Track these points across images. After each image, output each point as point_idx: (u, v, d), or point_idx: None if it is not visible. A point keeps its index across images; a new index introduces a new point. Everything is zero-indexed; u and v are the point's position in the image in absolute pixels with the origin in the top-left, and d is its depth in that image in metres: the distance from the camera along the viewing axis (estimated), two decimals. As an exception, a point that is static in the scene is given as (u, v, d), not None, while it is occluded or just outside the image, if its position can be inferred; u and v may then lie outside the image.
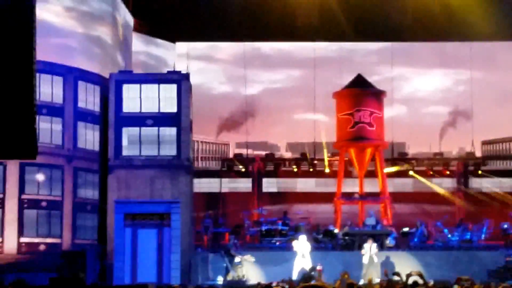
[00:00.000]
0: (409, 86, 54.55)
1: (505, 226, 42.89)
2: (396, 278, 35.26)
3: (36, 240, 40.12)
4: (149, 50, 52.80)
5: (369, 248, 38.16)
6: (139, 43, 51.11)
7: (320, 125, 52.00)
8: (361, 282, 35.16)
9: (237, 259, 37.96)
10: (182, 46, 53.49)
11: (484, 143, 54.24)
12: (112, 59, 45.56)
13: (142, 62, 50.60)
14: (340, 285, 27.28)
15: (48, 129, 40.81)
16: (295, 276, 36.25)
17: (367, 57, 53.92)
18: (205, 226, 43.41)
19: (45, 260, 36.33)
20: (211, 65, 54.74)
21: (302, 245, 37.77)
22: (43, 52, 39.95)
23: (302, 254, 37.56)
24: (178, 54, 53.19)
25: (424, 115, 54.13)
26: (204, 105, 48.80)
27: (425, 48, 54.35)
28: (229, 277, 37.10)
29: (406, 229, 43.42)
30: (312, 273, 35.19)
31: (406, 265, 38.29)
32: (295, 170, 51.01)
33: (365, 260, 38.10)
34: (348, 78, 48.40)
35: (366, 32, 51.05)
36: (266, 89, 53.92)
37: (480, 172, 50.94)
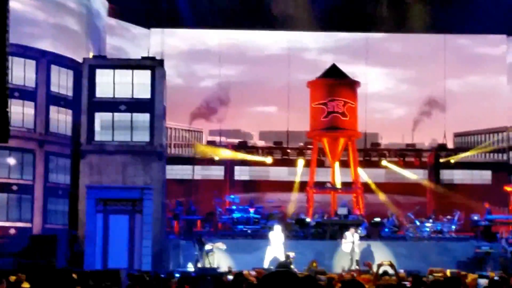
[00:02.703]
0: (386, 76, 54.70)
1: (475, 218, 43.18)
2: (365, 268, 35.45)
3: (7, 224, 39.89)
4: (123, 36, 52.51)
5: (351, 236, 38.09)
6: (113, 28, 50.81)
7: (294, 114, 52.00)
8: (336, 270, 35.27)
9: (208, 246, 37.90)
10: (156, 32, 53.22)
11: (456, 135, 54.56)
12: (86, 44, 45.28)
13: (116, 48, 50.31)
14: (307, 273, 27.36)
15: (20, 113, 40.54)
16: (266, 264, 36.26)
17: (341, 47, 53.95)
18: (176, 213, 43.35)
19: (15, 244, 36.11)
20: (186, 52, 54.53)
21: (276, 234, 37.71)
22: (16, 37, 39.80)
23: (275, 243, 37.52)
24: (153, 40, 52.91)
25: (397, 106, 54.36)
26: (177, 92, 48.66)
27: (399, 40, 54.53)
28: (200, 264, 37.05)
29: (377, 219, 43.59)
30: (287, 261, 35.20)
31: (377, 255, 38.45)
32: (267, 160, 50.90)
33: (345, 248, 37.95)
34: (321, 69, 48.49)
35: (340, 22, 51.04)
36: (239, 77, 53.79)
37: (451, 161, 51.19)
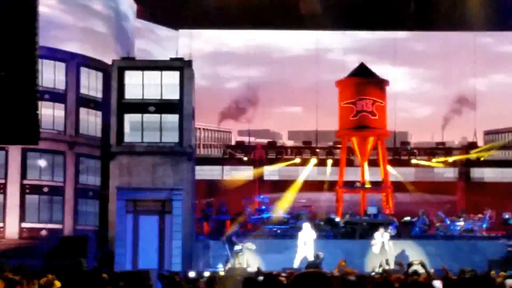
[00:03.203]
0: (411, 76, 54.49)
1: (506, 216, 42.87)
2: (396, 267, 35.28)
3: (38, 225, 40.20)
4: (151, 38, 52.72)
5: (381, 237, 37.98)
6: (141, 31, 51.03)
7: (322, 113, 51.94)
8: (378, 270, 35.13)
9: (238, 246, 37.95)
10: (185, 33, 53.37)
11: (486, 133, 54.20)
12: (114, 47, 45.52)
13: (144, 50, 50.52)
14: (338, 273, 27.25)
15: (51, 115, 40.85)
16: (296, 264, 36.23)
17: (370, 46, 53.80)
18: (206, 214, 43.44)
19: (46, 245, 36.38)
20: (215, 53, 54.64)
21: (306, 233, 37.67)
22: (46, 40, 40.07)
23: (304, 242, 37.49)
24: (180, 42, 53.06)
25: (426, 105, 54.12)
26: (207, 92, 48.79)
27: (428, 38, 54.31)
28: (230, 265, 37.11)
29: (407, 218, 43.40)
30: (317, 261, 35.16)
31: (407, 254, 38.31)
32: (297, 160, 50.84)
33: (375, 250, 37.87)
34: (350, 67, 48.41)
35: (369, 21, 50.88)
36: (267, 78, 53.77)
37: (482, 158, 50.88)
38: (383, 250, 37.69)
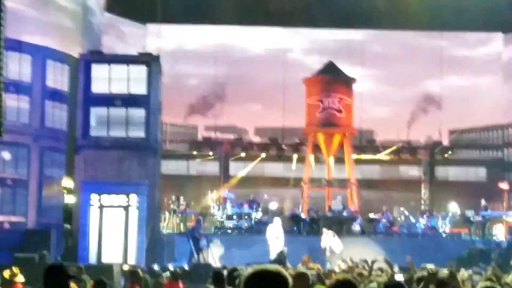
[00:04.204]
0: (369, 77, 54.70)
1: (469, 214, 43.27)
2: (361, 263, 35.45)
3: (1, 218, 39.86)
4: (119, 31, 52.48)
5: (326, 235, 37.97)
6: (106, 26, 50.76)
7: (289, 110, 52.06)
8: (328, 265, 35.26)
9: (202, 242, 37.95)
10: (153, 28, 53.23)
11: (452, 132, 54.65)
12: (81, 41, 45.23)
13: (112, 43, 50.28)
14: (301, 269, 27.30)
15: (15, 107, 40.48)
16: (272, 257, 36.17)
17: (338, 44, 54.01)
18: (172, 208, 43.37)
19: (9, 238, 36.10)
20: (183, 48, 54.56)
21: (277, 227, 37.57)
22: (11, 33, 39.69)
23: (276, 236, 37.32)
24: (149, 36, 52.91)
25: (394, 103, 54.43)
26: (174, 87, 48.67)
27: (397, 37, 54.65)
28: (194, 260, 37.07)
29: (371, 215, 43.66)
30: (281, 257, 35.18)
31: (371, 251, 38.49)
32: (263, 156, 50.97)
33: (323, 245, 37.94)
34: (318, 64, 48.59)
35: (337, 19, 51.08)
36: (234, 74, 53.80)
37: (446, 155, 51.35)
38: (336, 248, 37.71)
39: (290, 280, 6.52)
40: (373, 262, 30.06)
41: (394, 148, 50.98)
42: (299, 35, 54.73)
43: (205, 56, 53.54)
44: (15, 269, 18.64)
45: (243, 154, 51.25)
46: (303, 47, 55.31)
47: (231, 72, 53.65)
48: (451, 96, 52.99)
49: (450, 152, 51.98)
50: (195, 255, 37.31)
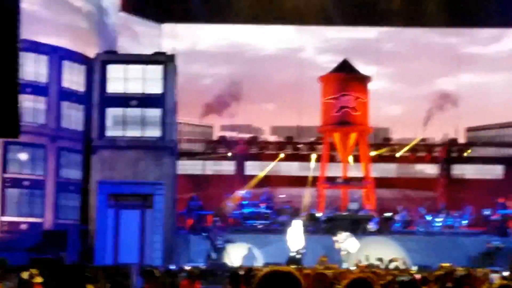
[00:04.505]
0: (395, 71, 54.61)
1: (487, 212, 43.09)
2: (377, 263, 35.43)
3: (18, 219, 39.97)
4: (133, 31, 52.52)
5: (342, 238, 37.85)
6: (125, 23, 50.82)
7: (305, 109, 51.98)
8: (344, 265, 35.23)
9: (219, 241, 37.99)
10: (168, 27, 53.28)
11: (468, 129, 54.41)
12: (96, 41, 45.32)
13: (126, 43, 50.34)
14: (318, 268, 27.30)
15: (32, 108, 40.59)
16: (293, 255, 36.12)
17: (353, 41, 53.90)
18: (189, 208, 43.39)
19: (26, 239, 36.25)
20: (197, 47, 54.58)
21: (296, 230, 37.41)
22: (27, 34, 39.81)
23: (295, 238, 37.12)
24: (165, 35, 52.93)
25: (409, 101, 54.26)
26: (189, 87, 48.68)
27: (411, 34, 54.49)
28: (211, 260, 37.12)
29: (388, 214, 43.54)
30: (298, 256, 35.17)
31: (387, 250, 38.45)
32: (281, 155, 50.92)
33: (339, 247, 37.83)
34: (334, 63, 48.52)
35: (353, 16, 50.96)
36: (251, 71, 53.77)
37: (465, 154, 51.16)
38: (352, 248, 37.57)
39: (302, 281, 6.55)
40: (390, 261, 30.14)
41: (410, 145, 50.83)
42: (312, 34, 54.63)
43: (219, 55, 53.53)
44: (34, 270, 18.70)
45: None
46: (316, 46, 55.23)
47: (245, 71, 53.57)
48: (467, 93, 52.75)
49: (469, 151, 51.73)
50: (212, 255, 37.35)
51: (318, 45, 55.30)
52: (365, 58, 50.19)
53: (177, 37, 52.79)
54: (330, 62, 50.18)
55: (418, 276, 22.60)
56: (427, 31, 54.04)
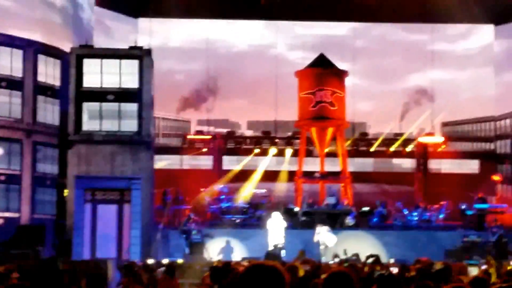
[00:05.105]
0: (363, 68, 54.68)
1: (463, 207, 43.28)
2: (353, 257, 35.47)
3: (-6, 214, 39.77)
4: (111, 25, 52.32)
5: (319, 232, 37.88)
6: (99, 18, 50.61)
7: (281, 104, 52.03)
8: (323, 259, 35.27)
9: (196, 236, 37.92)
10: (142, 23, 53.14)
11: (444, 124, 54.68)
12: (71, 37, 45.07)
13: (99, 38, 50.10)
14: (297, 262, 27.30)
15: (7, 103, 40.37)
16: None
17: (337, 35, 54.01)
18: (166, 203, 43.27)
19: (2, 234, 36.00)
20: (169, 44, 54.44)
21: (276, 222, 37.40)
22: (2, 27, 39.57)
23: (275, 231, 37.09)
24: (139, 31, 52.78)
25: (385, 96, 54.42)
26: (165, 82, 48.55)
27: (387, 29, 54.66)
28: (188, 254, 37.03)
29: (365, 209, 43.63)
30: (276, 251, 35.13)
31: (365, 244, 38.51)
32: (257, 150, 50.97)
33: (317, 240, 37.86)
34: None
35: (329, 11, 51.07)
36: (224, 67, 53.69)
37: (439, 149, 51.46)
38: (329, 242, 37.59)
39: (286, 276, 6.50)
40: (367, 257, 30.16)
41: (382, 138, 51.09)
42: (282, 30, 54.73)
43: (191, 51, 53.55)
44: (10, 266, 18.58)
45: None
46: (287, 42, 55.25)
47: (218, 67, 53.38)
48: (440, 89, 53.04)
49: (443, 146, 52.00)
50: (188, 250, 37.28)
51: (289, 42, 55.30)
52: (337, 54, 49.91)
53: (151, 33, 52.62)
54: (302, 58, 50.22)
55: (395, 270, 22.67)
56: (396, 27, 54.30)
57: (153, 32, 52.78)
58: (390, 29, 54.53)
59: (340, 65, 48.55)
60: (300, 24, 54.34)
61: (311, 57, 48.24)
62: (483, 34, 54.86)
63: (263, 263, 6.54)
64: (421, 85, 53.05)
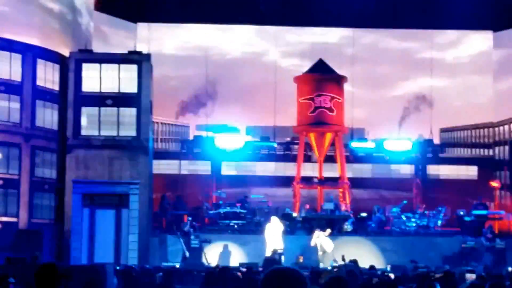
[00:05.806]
0: (369, 72, 54.71)
1: (461, 213, 43.31)
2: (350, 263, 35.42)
3: (-8, 218, 39.72)
4: (110, 30, 52.33)
5: (317, 237, 37.87)
6: (99, 22, 50.61)
7: (280, 109, 52.03)
8: (321, 265, 35.27)
9: (195, 242, 37.90)
10: (143, 27, 53.13)
11: (443, 130, 54.67)
12: (72, 38, 45.09)
13: (102, 42, 50.12)
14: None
15: (6, 107, 40.36)
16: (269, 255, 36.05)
17: (329, 42, 54.01)
18: (164, 208, 43.25)
19: (1, 238, 35.98)
20: (172, 46, 54.47)
21: (274, 226, 37.39)
22: (1, 30, 39.56)
23: (273, 235, 37.05)
24: (139, 35, 52.78)
25: (384, 101, 54.42)
26: (164, 86, 48.57)
27: (387, 35, 54.69)
28: (186, 259, 37.01)
29: (363, 214, 43.62)
30: (276, 256, 35.12)
31: (363, 250, 38.50)
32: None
33: (314, 245, 37.86)
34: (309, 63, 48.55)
35: (328, 17, 51.04)
36: (227, 72, 53.73)
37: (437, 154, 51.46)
38: (327, 247, 37.60)
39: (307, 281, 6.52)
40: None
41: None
42: (274, 37, 54.82)
43: (192, 56, 53.59)
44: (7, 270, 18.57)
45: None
46: (280, 50, 55.24)
47: (213, 73, 53.32)
48: (438, 95, 53.05)
49: (441, 152, 52.00)
50: (186, 255, 37.25)
51: (281, 49, 55.23)
52: (332, 62, 49.78)
53: (149, 38, 52.64)
54: (297, 66, 50.26)
55: (392, 275, 22.70)
56: (387, 35, 54.40)
57: (151, 37, 52.78)
58: (389, 35, 54.52)
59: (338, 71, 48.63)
60: (294, 31, 54.41)
61: (304, 64, 48.30)
62: (482, 41, 54.91)
63: (286, 268, 6.56)
64: (420, 92, 53.02)
